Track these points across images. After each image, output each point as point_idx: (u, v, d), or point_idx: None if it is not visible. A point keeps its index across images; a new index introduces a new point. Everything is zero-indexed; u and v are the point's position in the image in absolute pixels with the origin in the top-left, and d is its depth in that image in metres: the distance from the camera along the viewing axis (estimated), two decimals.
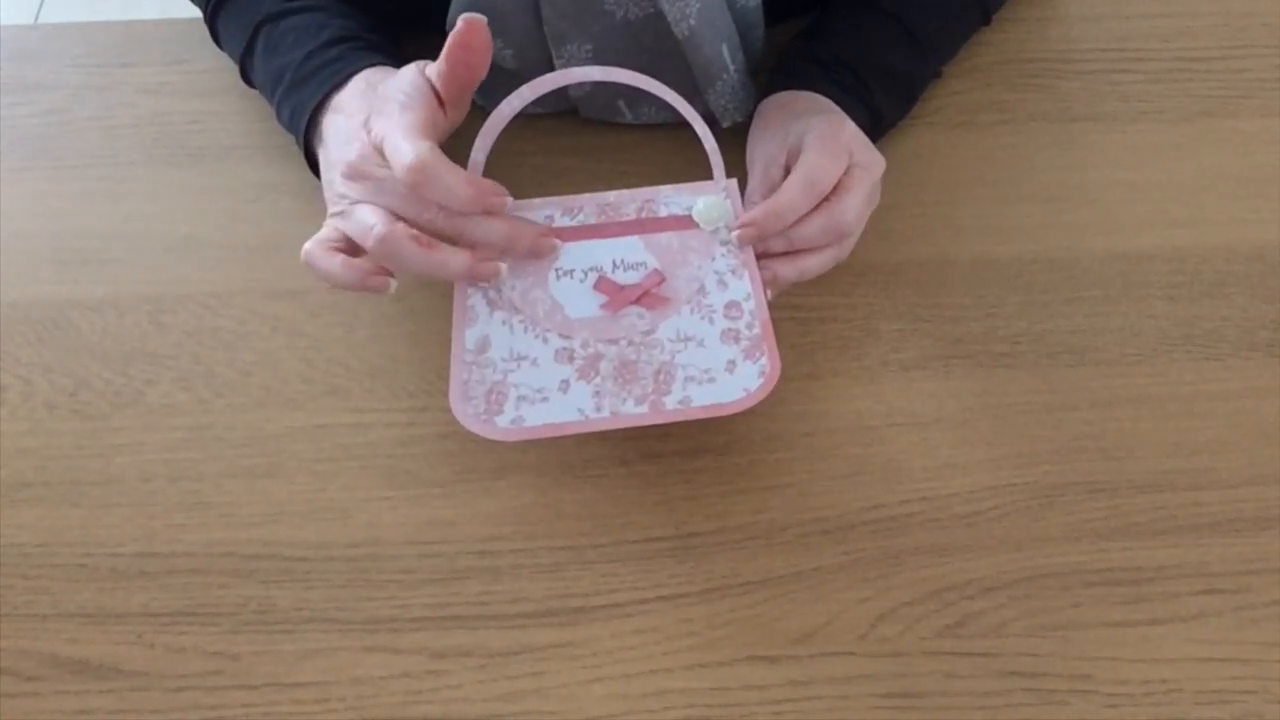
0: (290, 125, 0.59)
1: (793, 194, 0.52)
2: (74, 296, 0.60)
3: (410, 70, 0.52)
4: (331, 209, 0.52)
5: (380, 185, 0.49)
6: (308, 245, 0.51)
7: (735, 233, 0.53)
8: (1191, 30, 0.71)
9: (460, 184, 0.48)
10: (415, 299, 0.60)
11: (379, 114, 0.51)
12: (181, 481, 0.55)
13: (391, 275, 0.50)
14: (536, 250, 0.52)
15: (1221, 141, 0.66)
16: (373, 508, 0.54)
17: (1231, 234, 0.63)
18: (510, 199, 0.51)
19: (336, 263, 0.50)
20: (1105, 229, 0.63)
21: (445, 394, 0.50)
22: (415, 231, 0.49)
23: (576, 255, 0.53)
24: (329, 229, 0.51)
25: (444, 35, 0.62)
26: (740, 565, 0.52)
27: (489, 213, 0.50)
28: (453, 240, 0.50)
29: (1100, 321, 0.59)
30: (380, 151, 0.49)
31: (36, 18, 1.79)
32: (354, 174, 0.50)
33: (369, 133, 0.50)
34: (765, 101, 0.61)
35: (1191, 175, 0.65)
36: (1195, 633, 0.51)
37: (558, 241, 0.53)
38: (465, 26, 0.48)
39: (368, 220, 0.49)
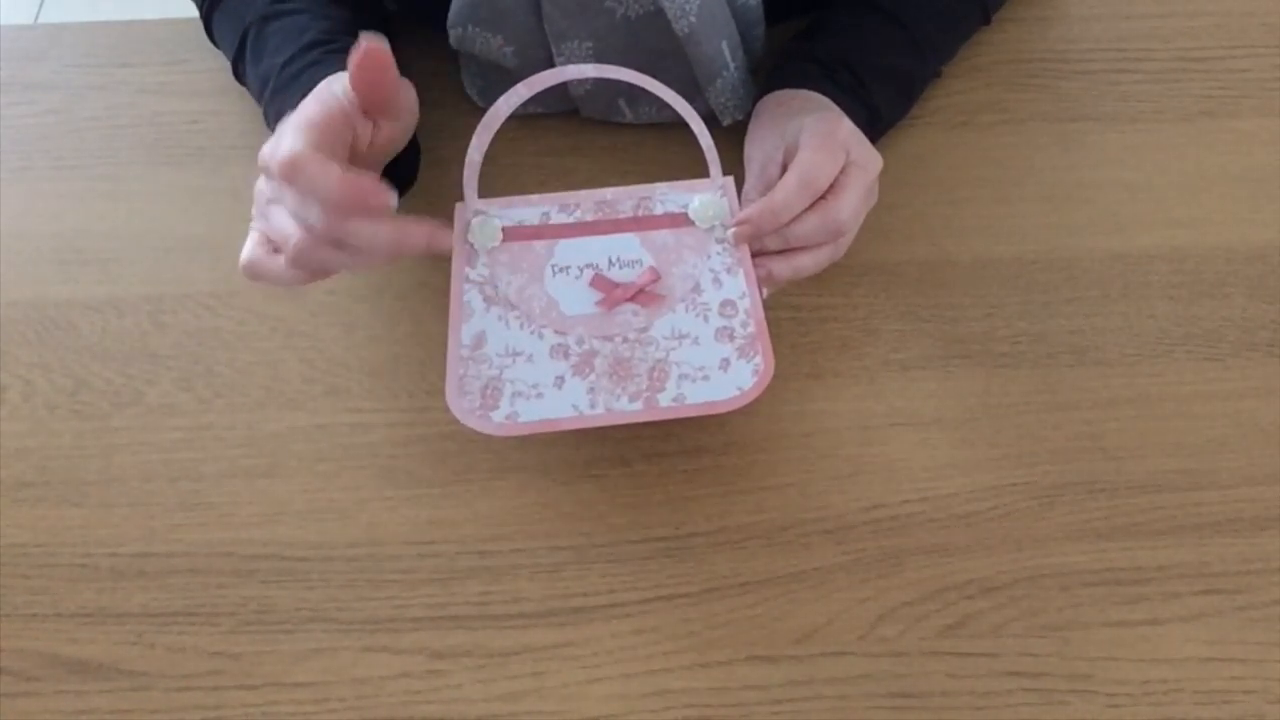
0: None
1: (788, 192, 0.52)
2: (74, 296, 0.60)
3: (331, 80, 0.51)
4: (255, 209, 0.50)
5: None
6: (244, 258, 0.49)
7: (731, 231, 0.53)
8: (1191, 30, 0.71)
9: (333, 180, 0.45)
10: (415, 299, 0.60)
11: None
12: (181, 481, 0.55)
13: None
14: (434, 245, 0.49)
15: (1221, 141, 0.66)
16: (373, 508, 0.54)
17: (1231, 234, 0.63)
18: (392, 201, 0.47)
19: (279, 264, 0.48)
20: (1105, 229, 0.63)
21: (445, 393, 0.50)
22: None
23: (573, 252, 0.53)
24: (254, 234, 0.49)
25: (444, 34, 0.62)
26: (740, 565, 0.52)
27: (371, 213, 0.46)
28: (336, 245, 0.47)
29: (1100, 321, 0.59)
30: None
31: (36, 18, 1.79)
32: (262, 169, 0.48)
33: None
34: (763, 100, 0.61)
35: (1191, 175, 0.65)
36: (1195, 633, 0.51)
37: (450, 236, 0.50)
38: (360, 56, 0.46)
39: (285, 229, 0.47)
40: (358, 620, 0.51)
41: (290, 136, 0.46)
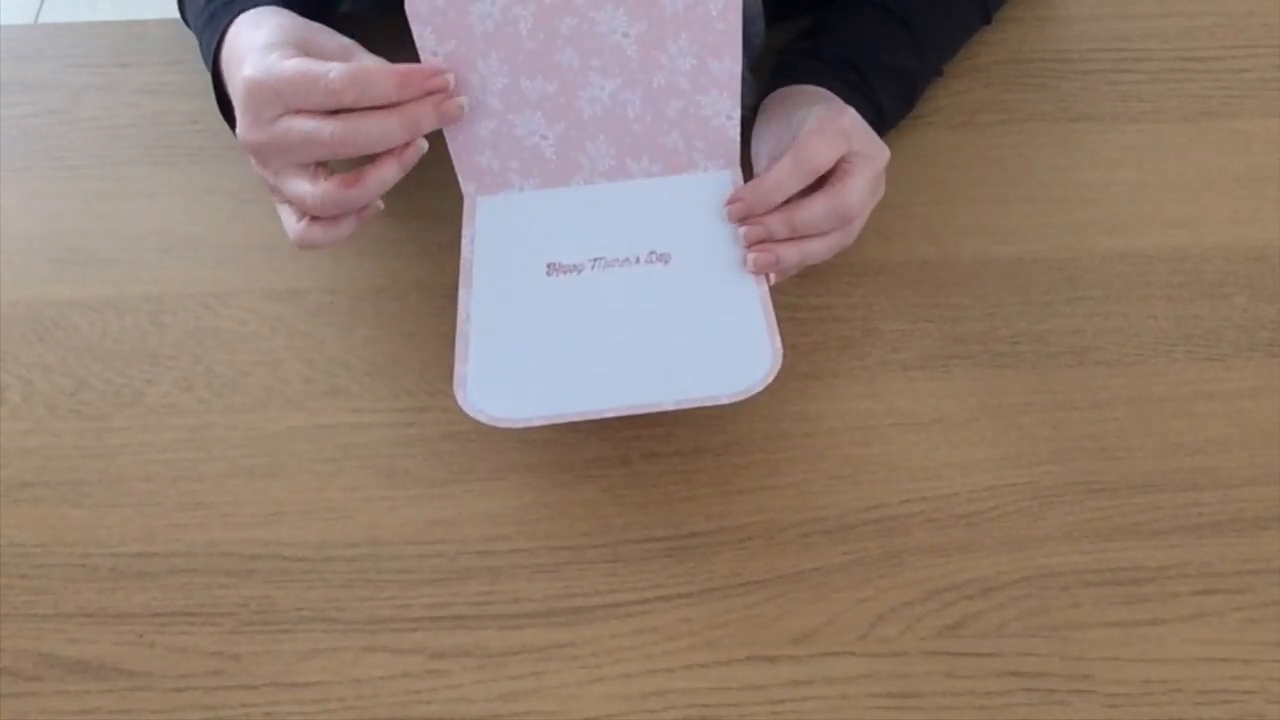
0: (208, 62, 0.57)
1: (780, 170, 0.53)
2: (74, 296, 0.60)
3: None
4: (273, 193, 0.52)
5: (276, 144, 0.49)
6: (292, 238, 0.51)
7: (725, 209, 0.54)
8: (1191, 30, 0.71)
9: (390, 79, 0.47)
10: (415, 299, 0.60)
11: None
12: (181, 481, 0.55)
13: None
14: (441, 112, 0.50)
15: (1221, 141, 0.66)
16: (373, 508, 0.54)
17: (1231, 234, 0.63)
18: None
19: (319, 226, 0.50)
20: (1105, 229, 0.63)
21: (446, 394, 0.50)
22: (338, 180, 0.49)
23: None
24: (283, 212, 0.52)
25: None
26: (740, 565, 0.52)
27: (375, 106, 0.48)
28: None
29: (1100, 321, 0.59)
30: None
31: (36, 18, 1.79)
32: (253, 154, 0.50)
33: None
34: (770, 97, 0.61)
35: (1191, 175, 0.65)
36: (1195, 633, 0.50)
37: (464, 101, 0.51)
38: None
39: (301, 190, 0.49)
40: (358, 620, 0.51)
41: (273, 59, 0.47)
